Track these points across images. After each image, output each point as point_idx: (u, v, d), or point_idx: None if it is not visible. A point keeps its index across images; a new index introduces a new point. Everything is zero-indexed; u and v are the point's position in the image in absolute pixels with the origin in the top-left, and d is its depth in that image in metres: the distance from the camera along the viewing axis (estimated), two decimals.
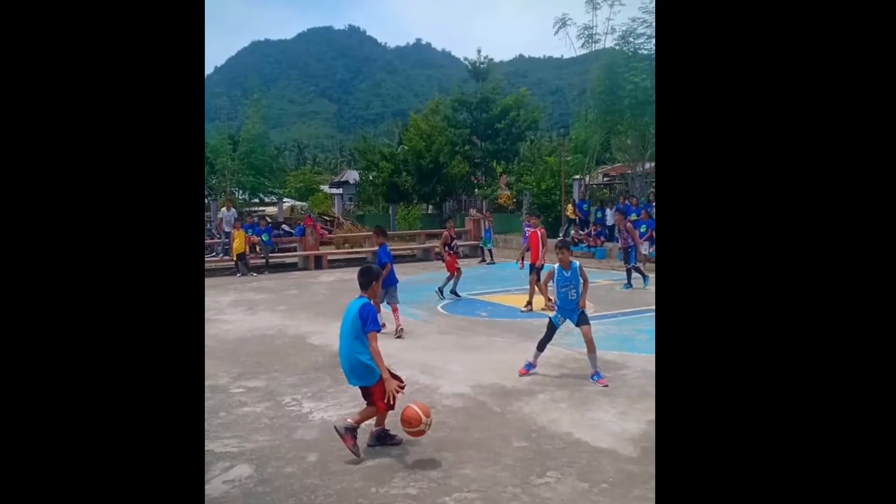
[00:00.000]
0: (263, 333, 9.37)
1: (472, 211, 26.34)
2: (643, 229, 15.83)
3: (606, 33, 22.34)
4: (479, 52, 47.70)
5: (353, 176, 44.39)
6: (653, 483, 4.04)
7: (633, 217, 16.39)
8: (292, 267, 18.82)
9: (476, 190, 33.11)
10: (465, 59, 37.60)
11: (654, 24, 20.18)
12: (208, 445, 4.89)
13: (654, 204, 17.84)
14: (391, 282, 9.09)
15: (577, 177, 23.97)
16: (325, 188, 46.18)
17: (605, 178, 27.05)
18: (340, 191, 42.90)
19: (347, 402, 5.82)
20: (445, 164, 31.22)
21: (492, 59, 36.27)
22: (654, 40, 20.50)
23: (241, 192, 29.84)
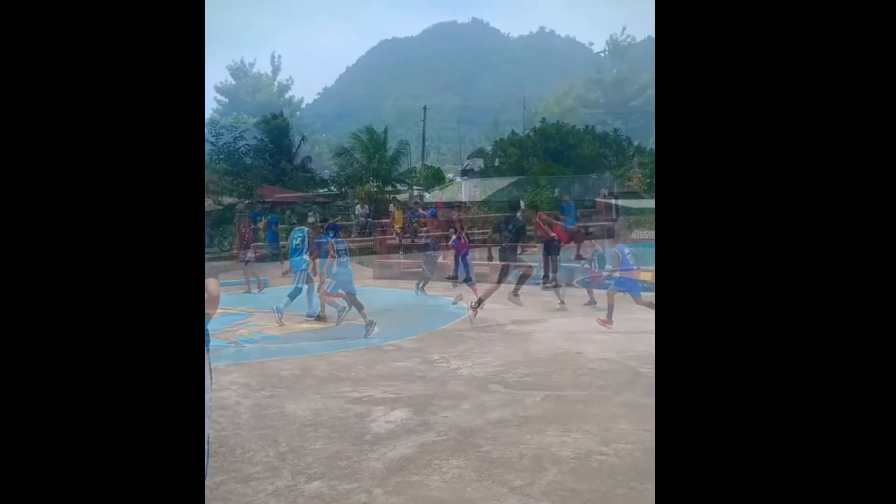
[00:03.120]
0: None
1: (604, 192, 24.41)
2: None
3: None
4: (623, 29, 45.74)
5: (478, 164, 44.40)
6: None
7: None
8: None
9: (607, 172, 31.37)
10: (591, 43, 36.16)
11: None
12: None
13: None
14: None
15: None
16: (451, 176, 46.62)
17: None
18: (465, 178, 42.98)
19: (493, 362, 6.40)
20: (576, 146, 30.15)
21: (634, 38, 34.59)
22: None
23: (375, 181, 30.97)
